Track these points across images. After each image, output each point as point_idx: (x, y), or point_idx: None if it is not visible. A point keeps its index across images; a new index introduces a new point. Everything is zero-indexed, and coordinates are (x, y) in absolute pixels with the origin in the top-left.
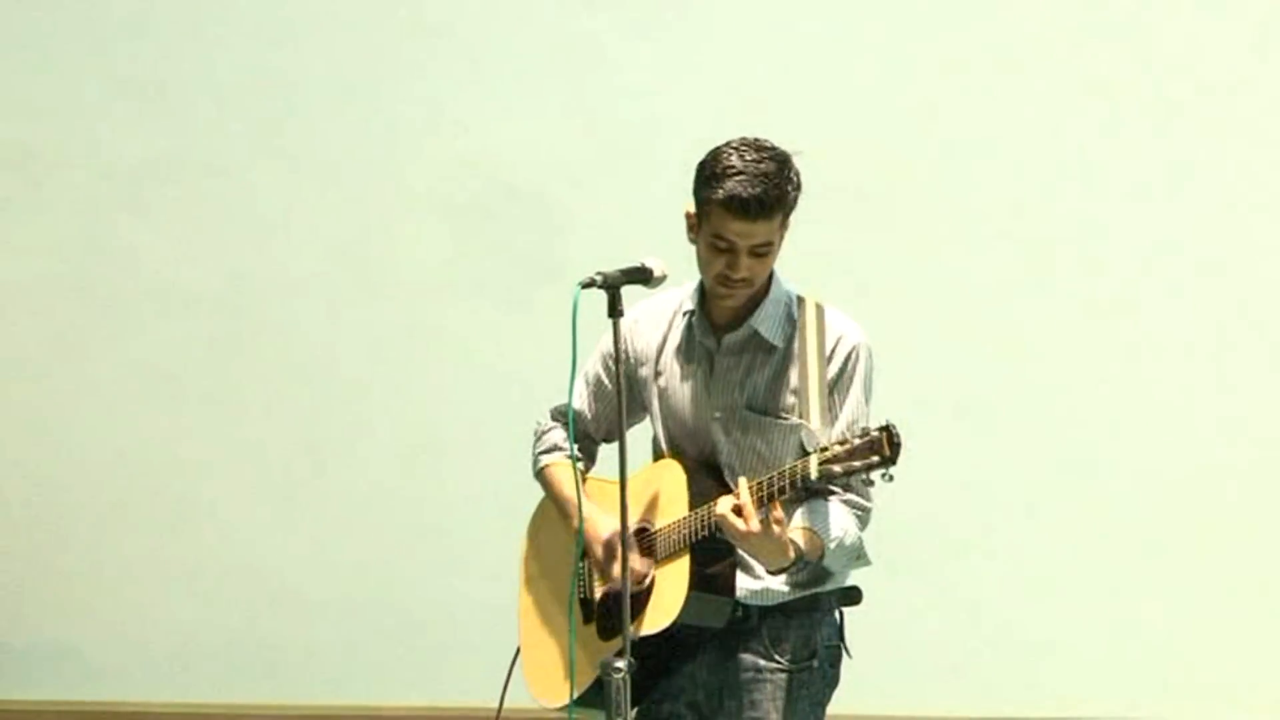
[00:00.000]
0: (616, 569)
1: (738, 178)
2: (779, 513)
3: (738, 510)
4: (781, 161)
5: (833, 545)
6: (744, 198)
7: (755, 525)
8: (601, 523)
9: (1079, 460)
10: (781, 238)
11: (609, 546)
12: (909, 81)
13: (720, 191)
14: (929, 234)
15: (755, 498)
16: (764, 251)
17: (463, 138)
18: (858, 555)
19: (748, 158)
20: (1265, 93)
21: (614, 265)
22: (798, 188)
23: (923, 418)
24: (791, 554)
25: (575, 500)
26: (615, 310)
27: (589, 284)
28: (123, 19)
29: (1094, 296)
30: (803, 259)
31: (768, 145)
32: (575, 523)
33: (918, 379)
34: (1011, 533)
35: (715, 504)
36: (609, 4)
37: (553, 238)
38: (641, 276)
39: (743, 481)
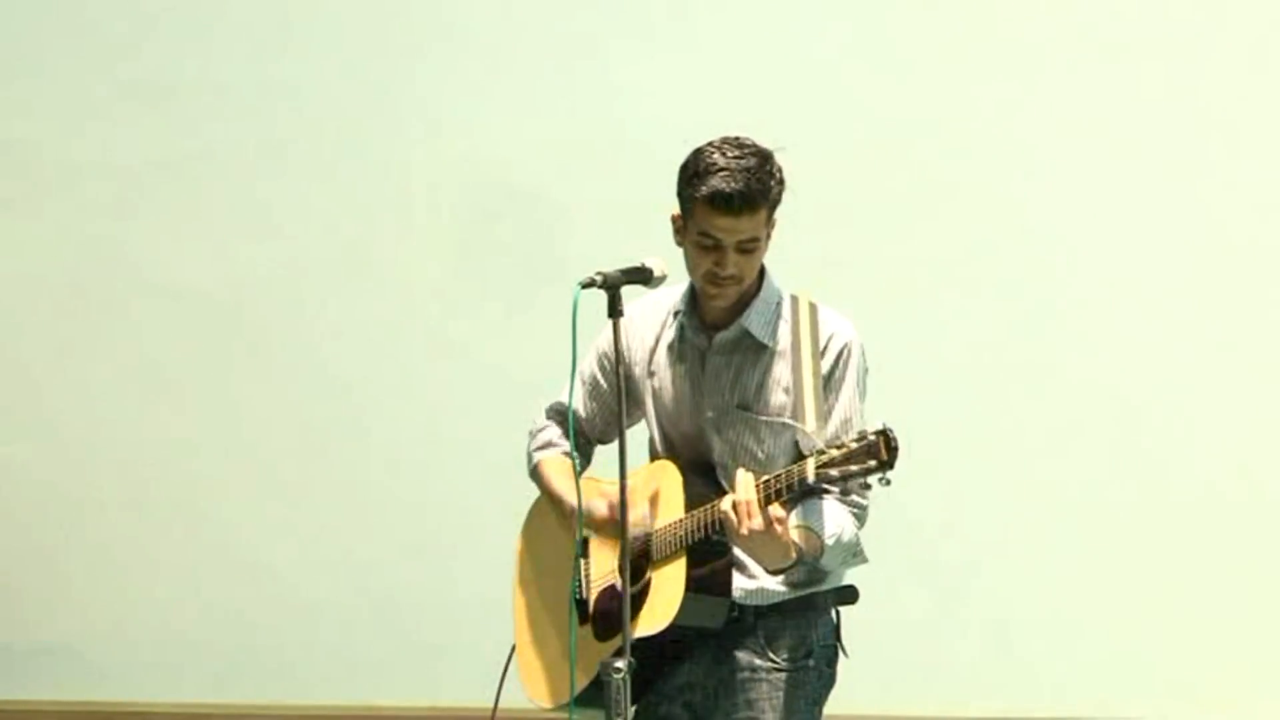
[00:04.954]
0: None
1: (720, 174)
2: (780, 512)
3: (738, 508)
4: (763, 157)
5: (830, 542)
6: (727, 193)
7: (758, 523)
8: (597, 506)
9: (1079, 460)
10: (768, 235)
11: (612, 515)
12: (908, 82)
13: (704, 188)
14: (929, 234)
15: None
16: (751, 247)
17: (463, 138)
18: (855, 553)
19: (729, 154)
20: (1266, 94)
21: (614, 265)
22: (781, 183)
23: (922, 418)
24: (793, 554)
25: (566, 495)
26: (615, 310)
27: (589, 284)
28: (123, 19)
29: (1097, 298)
30: (799, 259)
31: (748, 142)
32: (569, 517)
33: (917, 379)
34: (1011, 533)
35: (717, 504)
36: (609, 4)
37: (553, 238)
38: (641, 276)
39: (744, 475)
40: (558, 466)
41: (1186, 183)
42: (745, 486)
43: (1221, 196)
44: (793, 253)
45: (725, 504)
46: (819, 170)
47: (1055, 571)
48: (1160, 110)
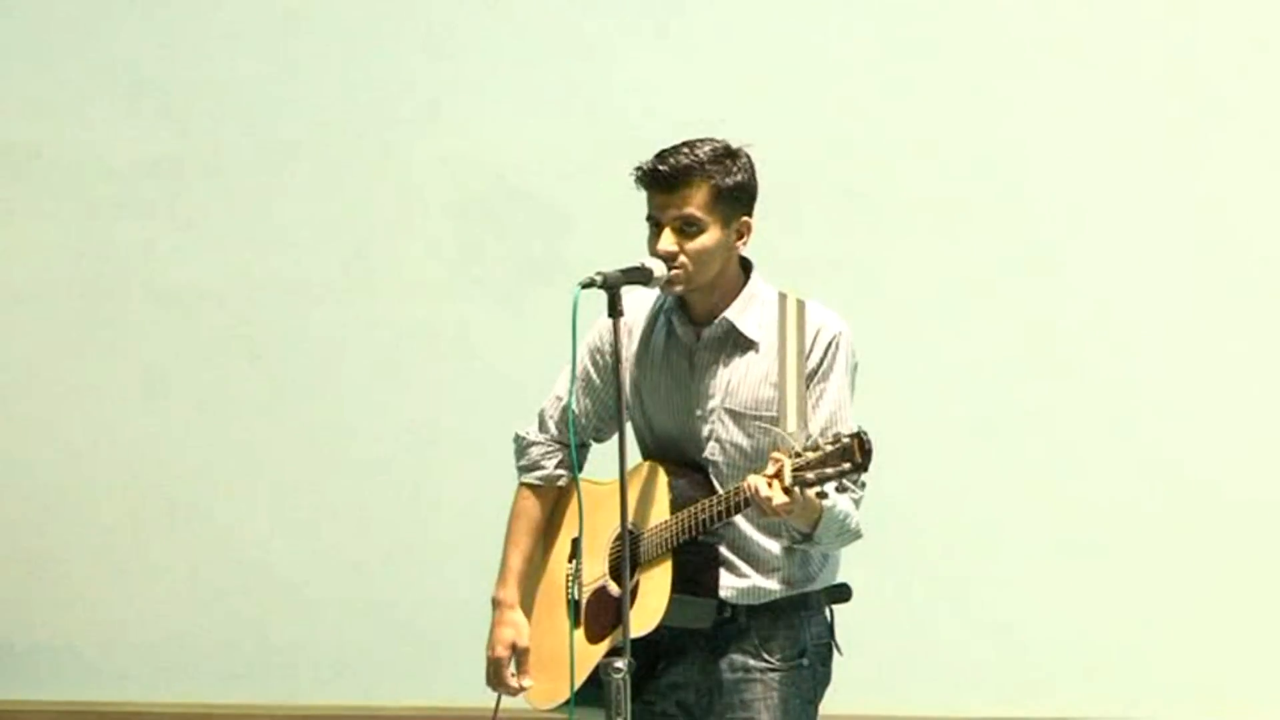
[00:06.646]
0: (500, 679)
1: (660, 154)
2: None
3: (770, 482)
4: (719, 148)
5: (827, 503)
6: (652, 168)
7: (781, 500)
8: (506, 624)
9: (1078, 459)
10: (736, 232)
11: (498, 658)
12: (908, 81)
13: (643, 168)
14: (926, 233)
15: (730, 504)
16: (690, 230)
17: (463, 138)
18: (848, 530)
19: (684, 143)
20: (1265, 90)
21: (614, 265)
22: (740, 173)
23: (921, 416)
24: (820, 507)
25: (509, 567)
26: (615, 310)
27: (589, 284)
28: (123, 19)
29: (1095, 295)
30: (799, 259)
31: (715, 138)
32: (495, 592)
33: (916, 378)
34: (1011, 532)
35: (743, 484)
36: (609, 3)
37: (553, 238)
38: (641, 276)
39: (780, 457)
40: (524, 521)
41: (1188, 184)
42: (782, 463)
43: (1224, 199)
44: (793, 253)
45: (753, 479)
46: (820, 170)
47: (1056, 571)
48: (1160, 106)
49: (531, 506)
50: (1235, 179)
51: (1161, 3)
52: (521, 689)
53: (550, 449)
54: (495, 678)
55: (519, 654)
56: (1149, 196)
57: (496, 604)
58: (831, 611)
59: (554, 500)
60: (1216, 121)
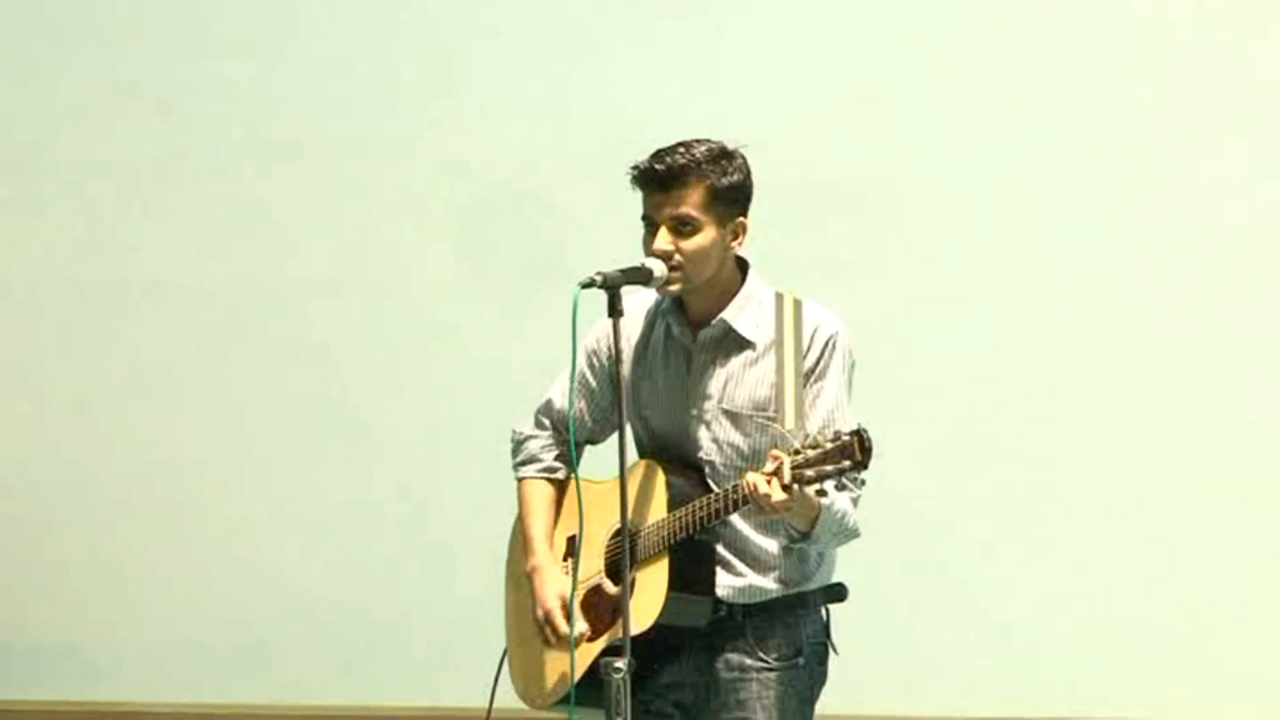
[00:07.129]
0: (555, 628)
1: (653, 155)
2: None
3: (769, 479)
4: (710, 146)
5: (826, 501)
6: (648, 168)
7: (779, 497)
8: (549, 580)
9: (1079, 458)
10: (732, 233)
11: (549, 609)
12: (910, 80)
13: (636, 169)
14: (926, 233)
15: (728, 502)
16: (686, 229)
17: (463, 138)
18: (845, 528)
19: (676, 144)
20: (1268, 90)
21: (614, 265)
22: (727, 173)
23: (920, 416)
24: (818, 503)
25: (535, 537)
26: (615, 310)
27: (589, 284)
28: (123, 20)
29: (1095, 295)
30: (799, 259)
31: (708, 138)
32: (528, 574)
33: (915, 378)
34: (1011, 532)
35: (740, 482)
36: (610, 4)
37: (553, 238)
38: (641, 277)
39: (780, 454)
40: (538, 500)
41: (1188, 184)
42: (782, 461)
43: (1224, 199)
44: (792, 253)
45: (752, 476)
46: (820, 171)
47: (1056, 570)
48: (1163, 107)
49: (539, 490)
50: (1236, 179)
51: (1156, 4)
52: (581, 635)
53: (548, 443)
54: (550, 626)
55: (566, 604)
56: (1149, 196)
57: (534, 570)
58: (828, 611)
59: (555, 491)
60: (1217, 122)
